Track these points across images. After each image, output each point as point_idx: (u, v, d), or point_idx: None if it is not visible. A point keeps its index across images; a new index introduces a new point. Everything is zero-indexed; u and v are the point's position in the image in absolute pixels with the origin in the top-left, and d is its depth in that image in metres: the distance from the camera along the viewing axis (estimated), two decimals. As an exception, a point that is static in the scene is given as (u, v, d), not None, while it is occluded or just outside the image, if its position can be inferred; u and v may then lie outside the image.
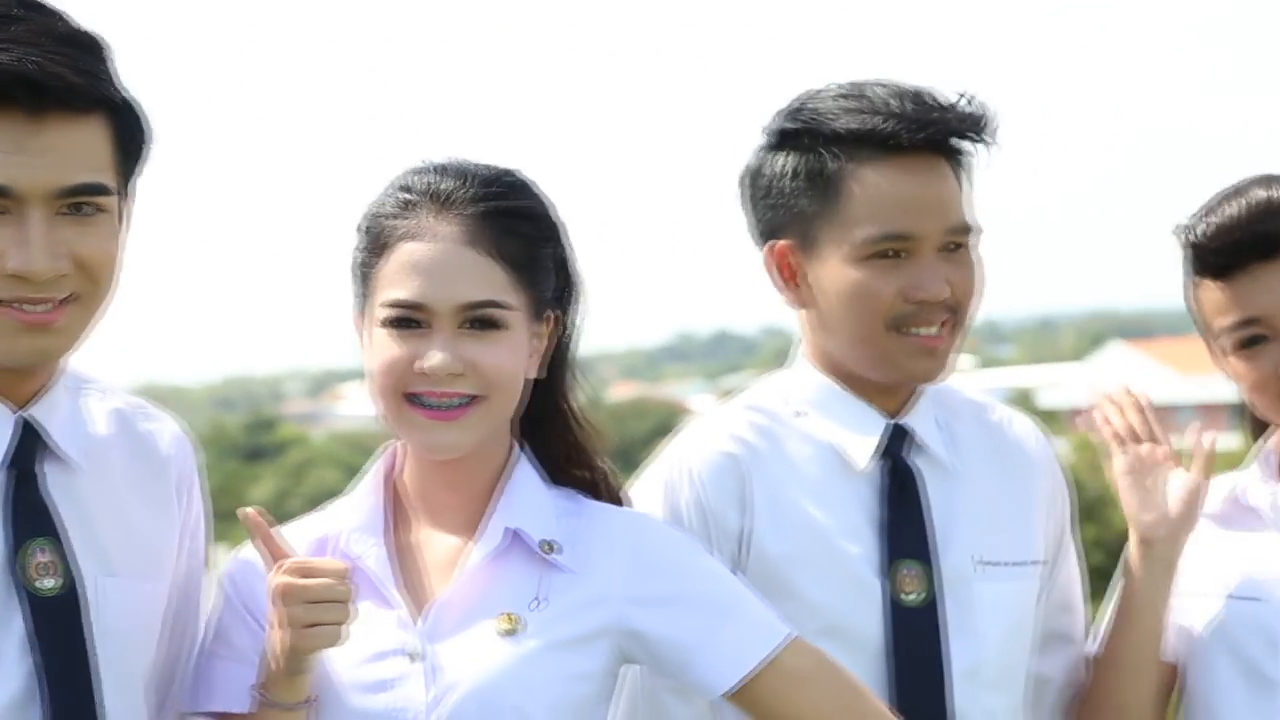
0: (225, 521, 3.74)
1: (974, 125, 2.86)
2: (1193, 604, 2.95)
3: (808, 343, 2.96)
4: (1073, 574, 3.06)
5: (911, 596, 2.84)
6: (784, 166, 2.89)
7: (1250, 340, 2.84)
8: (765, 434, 2.91)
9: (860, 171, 2.84)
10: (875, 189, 2.83)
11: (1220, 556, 2.94)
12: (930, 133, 2.83)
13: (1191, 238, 2.86)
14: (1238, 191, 2.85)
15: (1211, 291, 2.86)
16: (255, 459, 61.28)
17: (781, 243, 2.91)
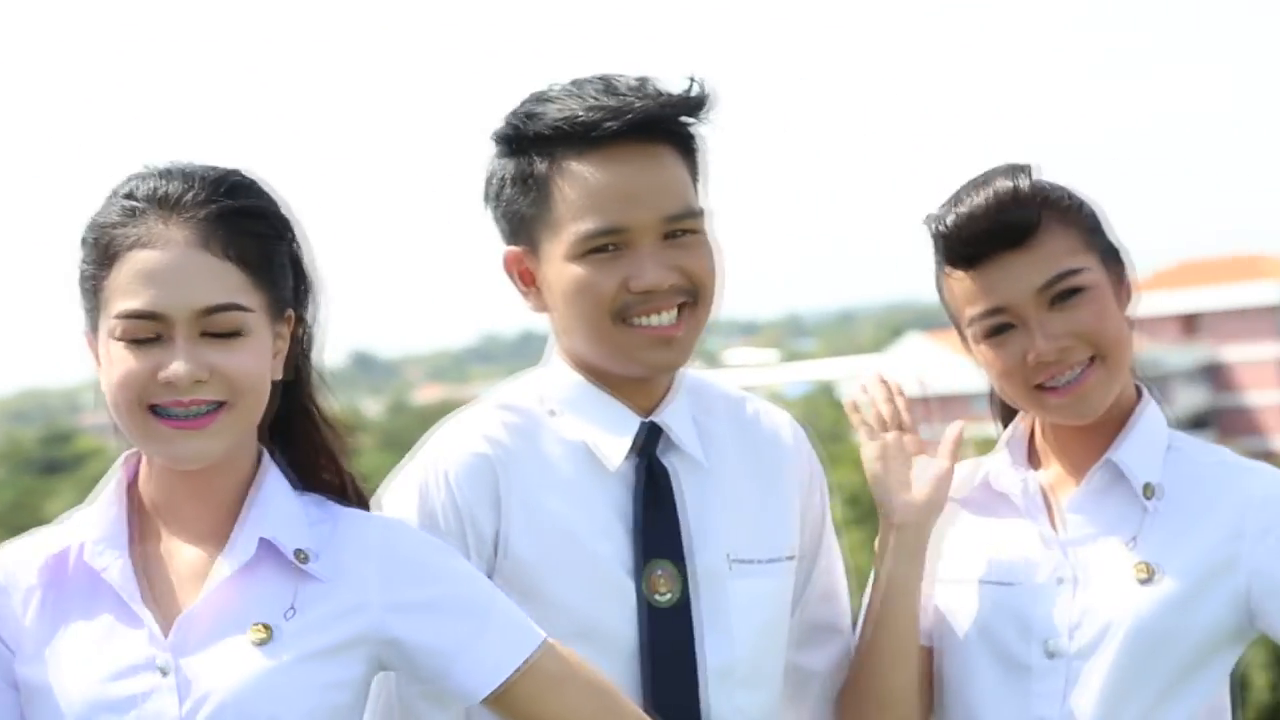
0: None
1: (683, 108, 2.82)
2: (947, 590, 2.97)
3: (558, 342, 2.93)
4: (834, 563, 3.06)
5: (664, 597, 2.82)
6: (504, 172, 2.87)
7: (998, 328, 2.85)
8: (519, 433, 2.87)
9: (566, 168, 2.81)
10: (582, 184, 2.80)
11: (973, 542, 2.97)
12: (631, 119, 2.78)
13: (940, 228, 2.86)
14: (984, 181, 2.85)
15: (960, 281, 2.87)
16: (52, 473, 60.45)
17: (514, 249, 2.89)
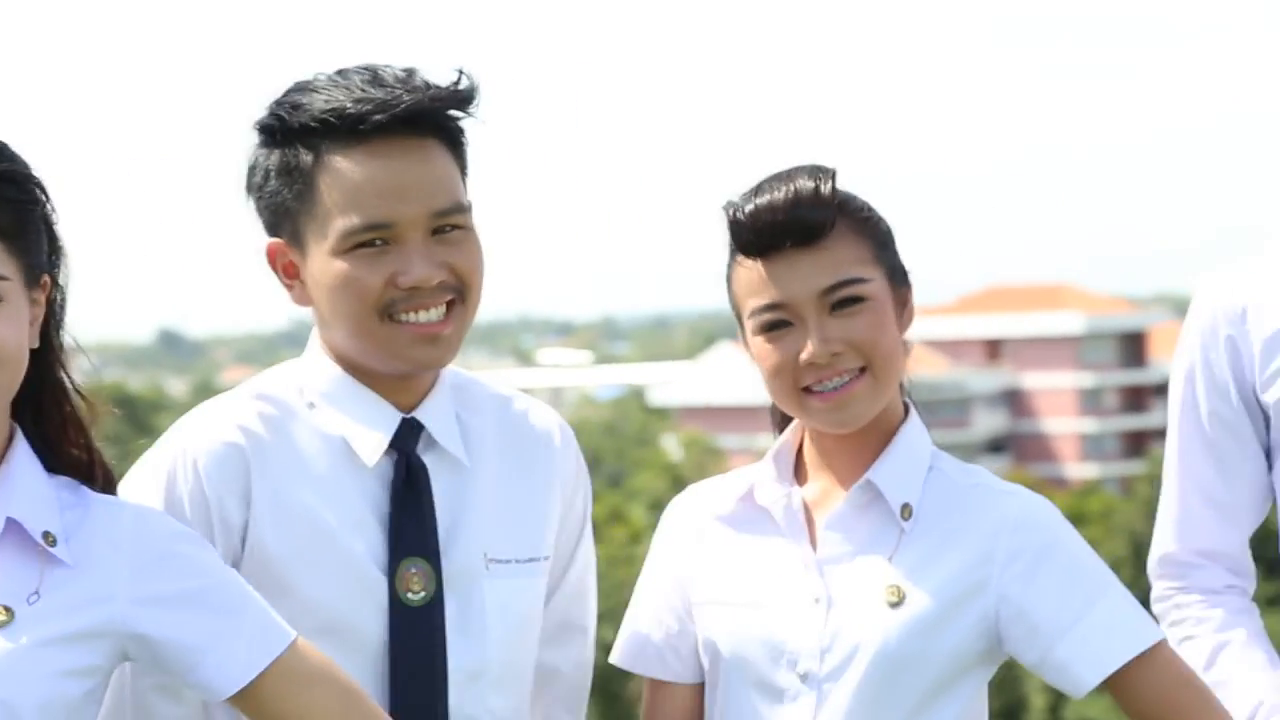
0: None
1: (451, 102, 2.78)
2: (707, 613, 2.94)
3: (320, 334, 2.87)
4: (589, 564, 3.04)
5: (416, 595, 2.78)
6: (268, 163, 2.80)
7: (776, 324, 2.86)
8: (273, 425, 2.81)
9: (332, 161, 2.75)
10: (348, 178, 2.74)
11: (733, 561, 2.94)
12: (398, 112, 2.73)
13: (736, 215, 2.87)
14: (787, 176, 2.87)
15: (748, 271, 2.88)
16: None
17: (276, 241, 2.83)
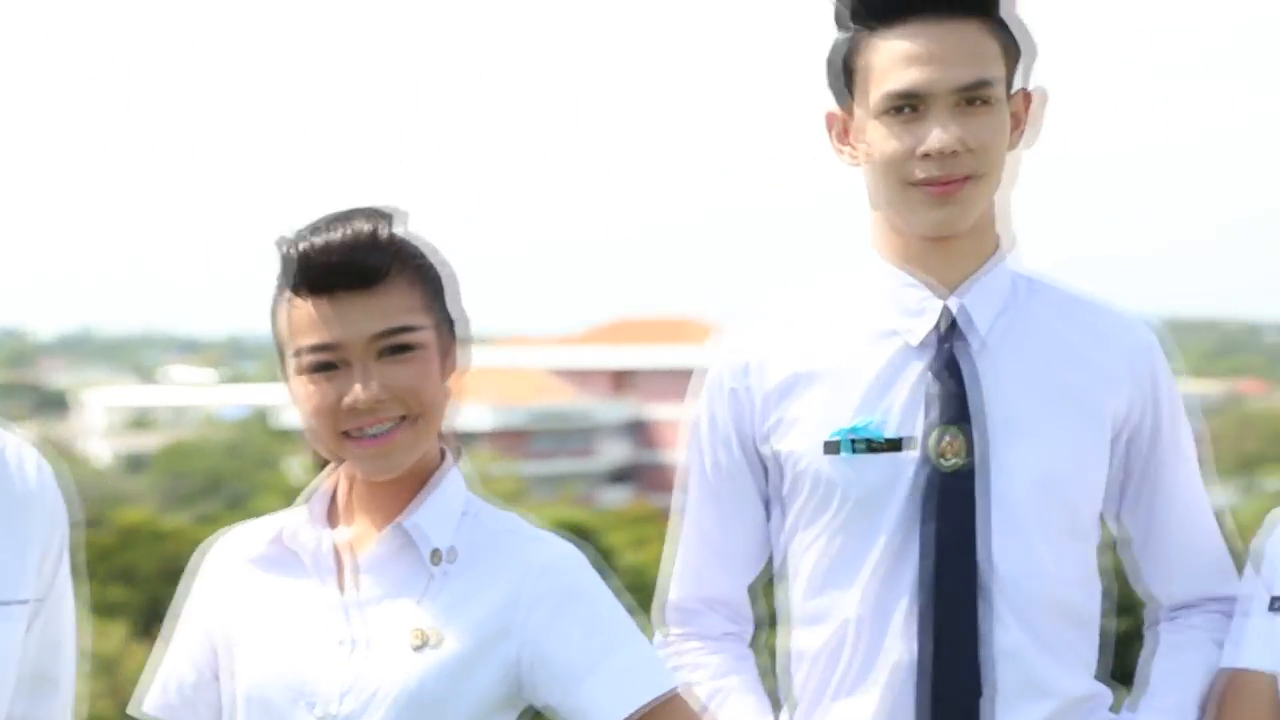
0: None
1: None
2: (234, 657, 2.90)
3: None
4: (66, 611, 2.94)
5: None
6: None
7: (324, 365, 2.84)
8: None
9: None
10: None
11: (259, 605, 2.91)
12: None
13: (292, 251, 2.84)
14: (347, 217, 2.85)
15: (300, 309, 2.85)
16: None
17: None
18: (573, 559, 2.91)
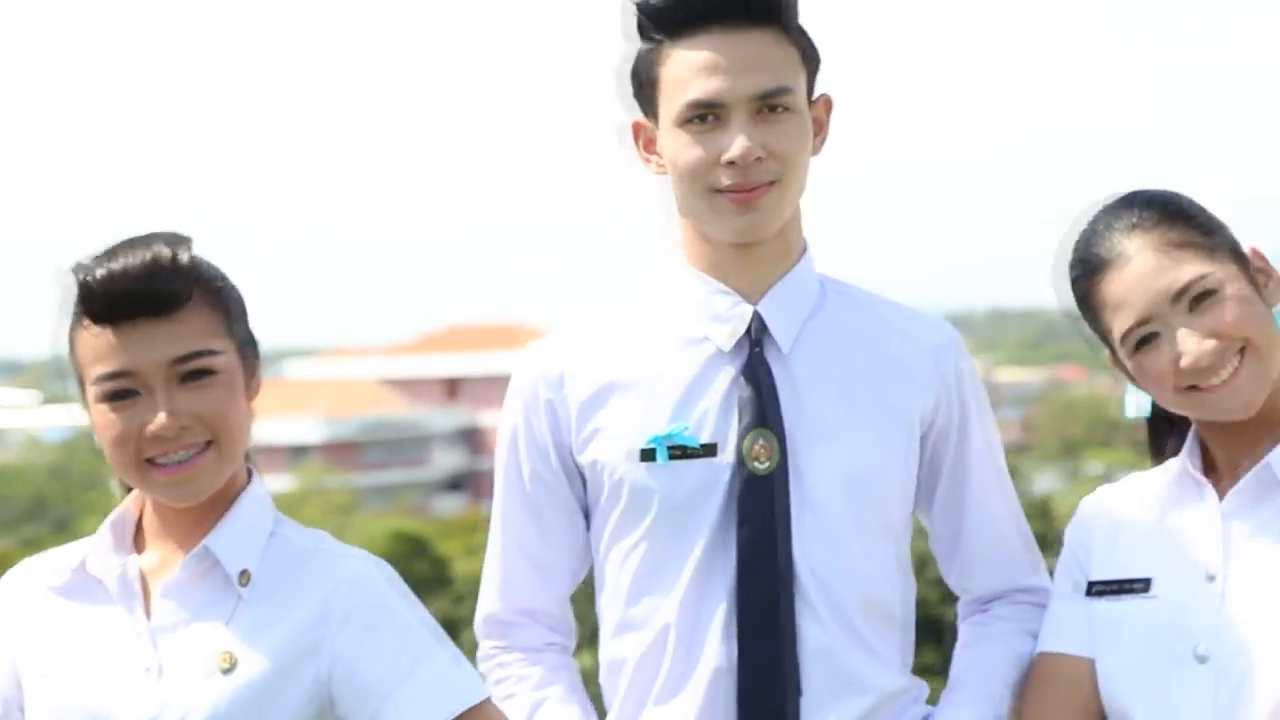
0: None
1: None
2: (35, 688, 2.87)
3: None
4: None
5: None
6: None
7: (121, 393, 2.81)
8: None
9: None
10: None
11: (61, 634, 2.88)
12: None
13: (86, 278, 2.80)
14: (143, 243, 2.82)
15: (96, 336, 2.82)
16: None
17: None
18: (379, 575, 2.90)
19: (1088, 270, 3.00)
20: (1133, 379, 3.03)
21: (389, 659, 2.84)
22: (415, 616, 2.90)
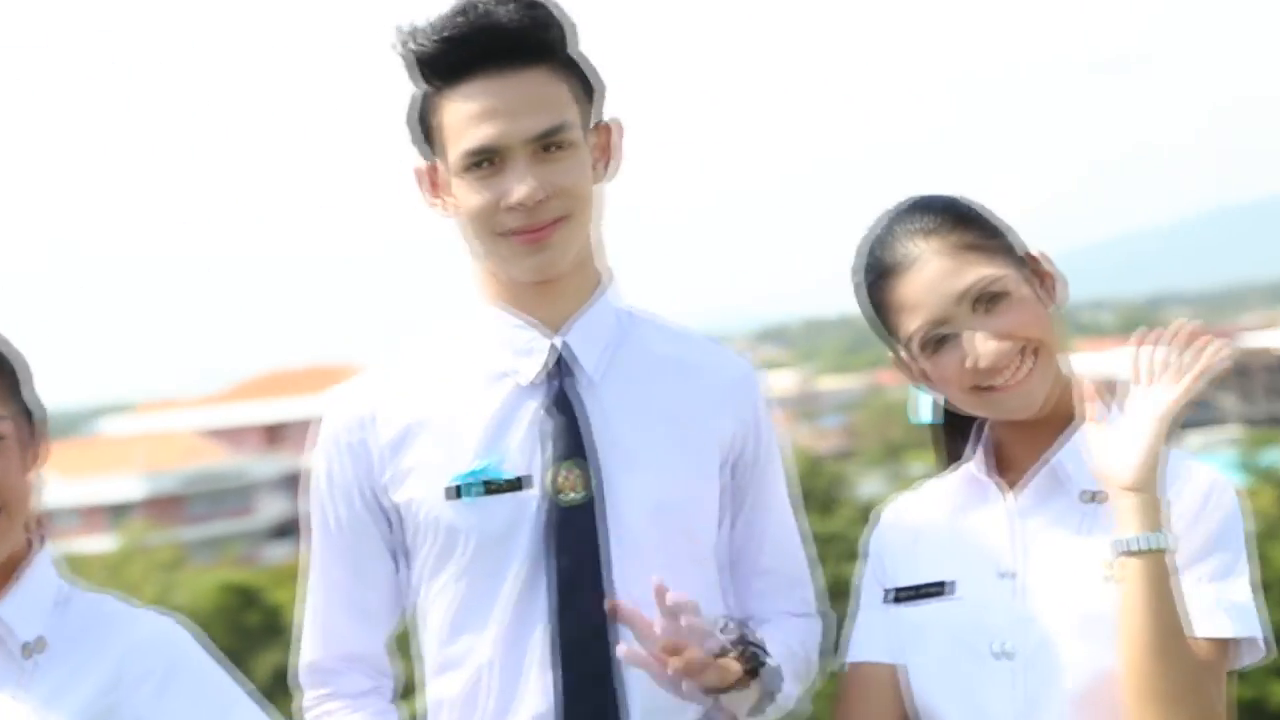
0: None
1: None
2: None
3: None
4: None
5: None
6: None
7: None
8: None
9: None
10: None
11: None
12: None
13: None
14: None
15: None
16: None
17: None
18: (174, 633, 2.90)
19: (878, 274, 3.06)
20: (918, 381, 3.10)
21: (190, 714, 2.84)
22: (213, 672, 2.89)
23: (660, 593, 2.89)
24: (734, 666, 2.97)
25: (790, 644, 3.16)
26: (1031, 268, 3.07)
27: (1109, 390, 3.02)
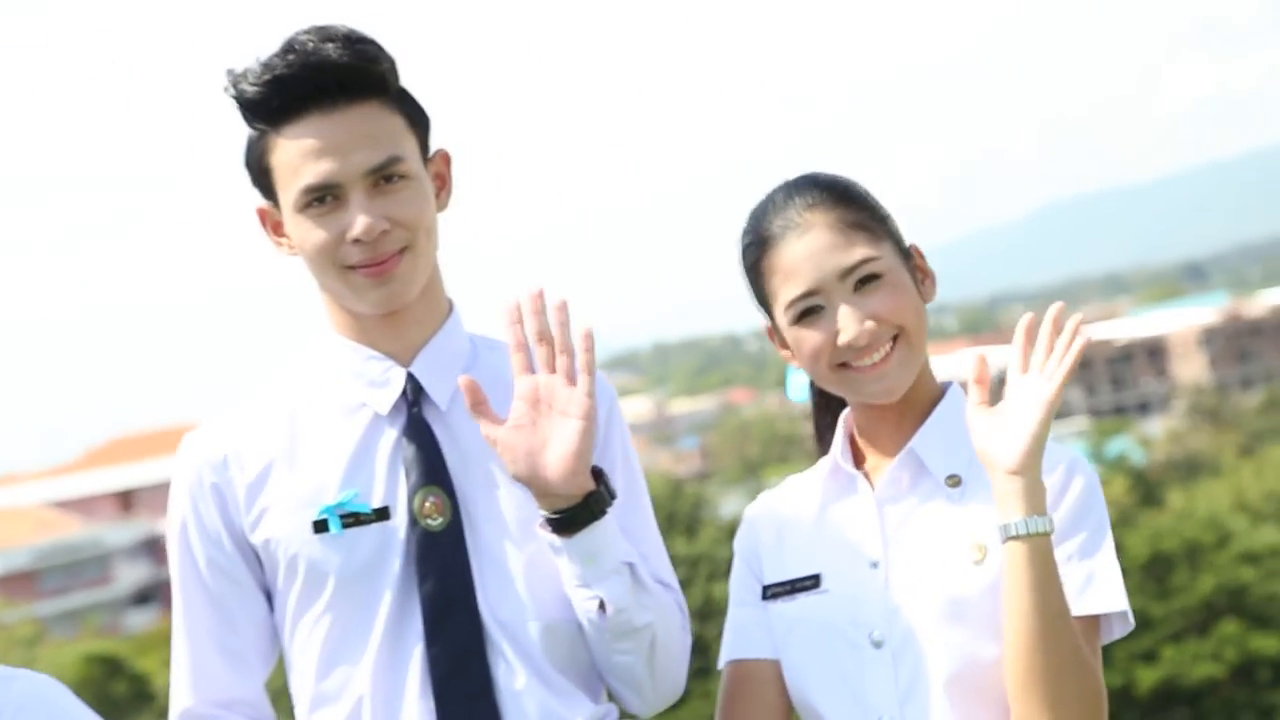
0: None
1: None
2: None
3: None
4: None
5: None
6: None
7: None
8: None
9: None
10: None
11: None
12: None
13: None
14: None
15: None
16: None
17: None
18: (52, 689, 2.86)
19: (761, 239, 3.08)
20: (786, 349, 3.11)
21: None
22: None
23: (471, 388, 2.98)
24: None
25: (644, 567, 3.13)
26: (911, 260, 3.10)
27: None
